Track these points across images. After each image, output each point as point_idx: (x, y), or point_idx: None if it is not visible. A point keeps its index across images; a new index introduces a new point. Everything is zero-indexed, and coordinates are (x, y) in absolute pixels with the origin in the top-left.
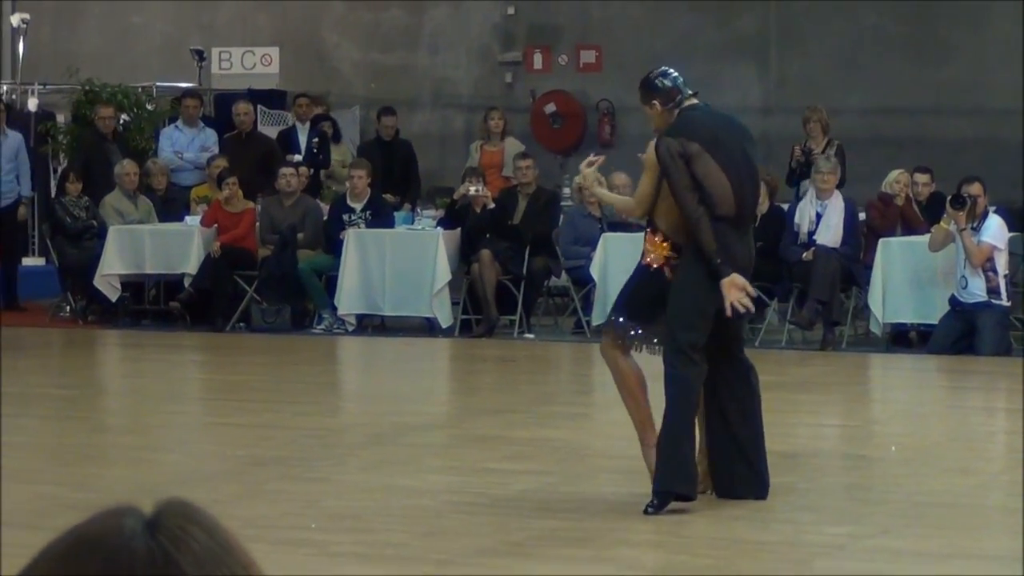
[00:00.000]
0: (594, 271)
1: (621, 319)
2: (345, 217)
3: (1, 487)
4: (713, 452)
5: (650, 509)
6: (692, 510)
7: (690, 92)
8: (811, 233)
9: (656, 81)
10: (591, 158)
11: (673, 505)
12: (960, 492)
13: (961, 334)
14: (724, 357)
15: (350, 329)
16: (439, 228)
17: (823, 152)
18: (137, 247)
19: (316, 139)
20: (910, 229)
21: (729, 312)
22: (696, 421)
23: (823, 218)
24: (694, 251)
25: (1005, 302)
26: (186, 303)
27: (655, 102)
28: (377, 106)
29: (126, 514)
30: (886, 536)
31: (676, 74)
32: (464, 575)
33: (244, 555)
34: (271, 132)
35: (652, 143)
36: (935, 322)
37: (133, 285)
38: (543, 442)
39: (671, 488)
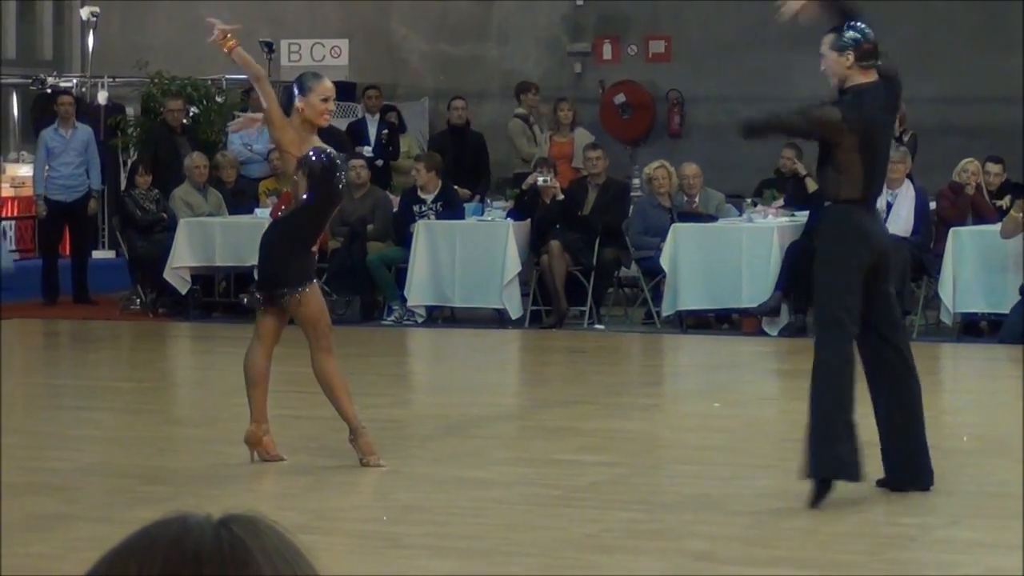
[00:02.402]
0: (664, 262)
1: None
2: (415, 208)
3: (60, 481)
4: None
5: (814, 502)
6: (767, 503)
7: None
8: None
9: None
10: None
11: (746, 495)
12: None
13: None
14: (879, 341)
15: (420, 321)
16: (509, 219)
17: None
18: (207, 240)
19: (386, 131)
20: (981, 218)
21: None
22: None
23: (893, 207)
24: (833, 231)
25: None
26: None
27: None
28: (446, 98)
29: (192, 514)
30: (957, 527)
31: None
32: (535, 568)
33: (312, 564)
34: (340, 124)
35: None
36: (1007, 311)
37: (203, 278)
38: (614, 433)
39: (827, 475)
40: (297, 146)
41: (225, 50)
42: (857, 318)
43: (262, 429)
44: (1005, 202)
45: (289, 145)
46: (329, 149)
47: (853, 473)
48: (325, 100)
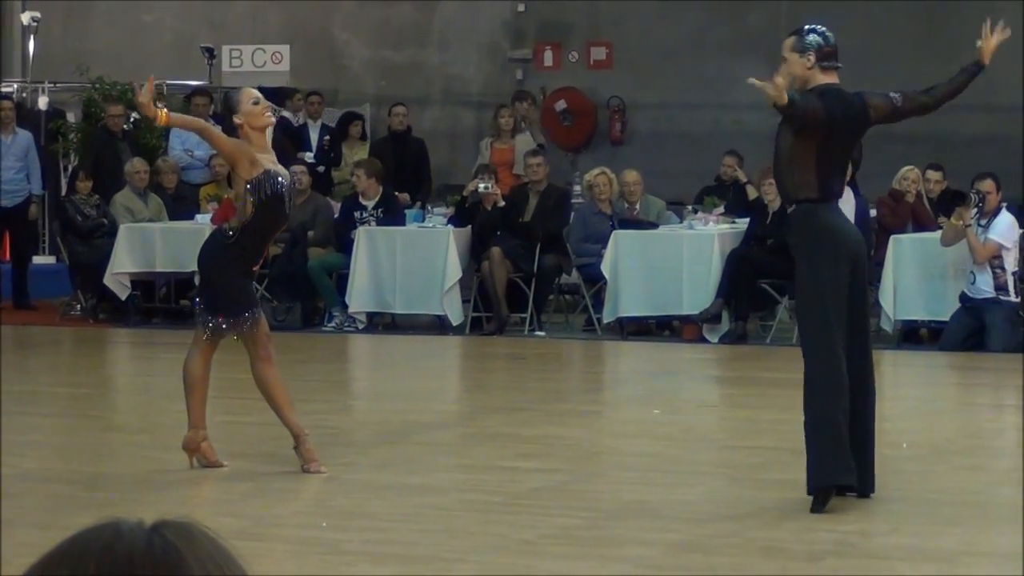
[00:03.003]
0: (605, 268)
1: None
2: (356, 215)
3: (2, 487)
4: None
5: (814, 508)
6: (705, 509)
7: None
8: None
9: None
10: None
11: (685, 501)
12: (971, 489)
13: (971, 331)
14: (848, 342)
15: (360, 327)
16: (450, 226)
17: None
18: (148, 245)
19: (327, 137)
20: (921, 226)
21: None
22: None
23: None
24: (802, 232)
25: (1014, 299)
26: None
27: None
28: (387, 104)
29: (124, 520)
30: (897, 534)
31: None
32: (476, 574)
33: (245, 569)
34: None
35: None
36: (946, 319)
37: (143, 283)
38: (554, 440)
39: (823, 483)
40: (248, 169)
41: (160, 124)
42: (843, 322)
43: (200, 435)
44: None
45: (243, 171)
46: (280, 175)
47: (849, 479)
48: (256, 103)
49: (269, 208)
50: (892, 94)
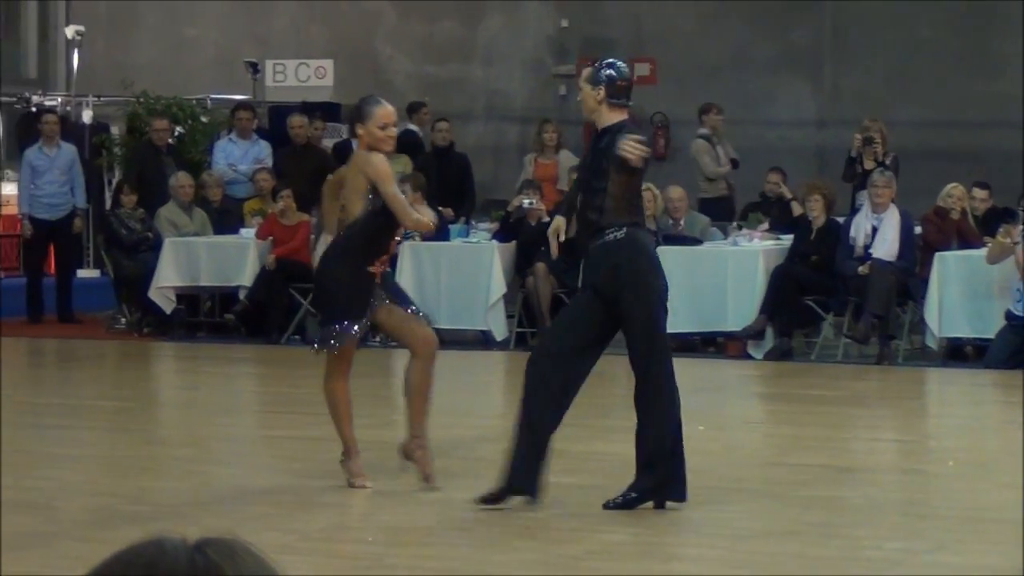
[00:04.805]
0: None
1: None
2: (401, 229)
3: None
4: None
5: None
6: (750, 526)
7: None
8: (867, 247)
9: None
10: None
11: (729, 518)
12: (1016, 507)
13: (1017, 348)
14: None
15: None
16: (494, 241)
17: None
18: (192, 259)
19: None
20: (966, 243)
21: None
22: None
23: (879, 232)
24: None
25: None
26: (241, 316)
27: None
28: (431, 119)
29: (168, 538)
30: (942, 551)
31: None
32: None
33: None
34: (326, 144)
35: None
36: (991, 336)
37: (188, 297)
38: (598, 456)
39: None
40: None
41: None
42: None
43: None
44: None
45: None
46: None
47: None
48: (383, 128)
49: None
50: None
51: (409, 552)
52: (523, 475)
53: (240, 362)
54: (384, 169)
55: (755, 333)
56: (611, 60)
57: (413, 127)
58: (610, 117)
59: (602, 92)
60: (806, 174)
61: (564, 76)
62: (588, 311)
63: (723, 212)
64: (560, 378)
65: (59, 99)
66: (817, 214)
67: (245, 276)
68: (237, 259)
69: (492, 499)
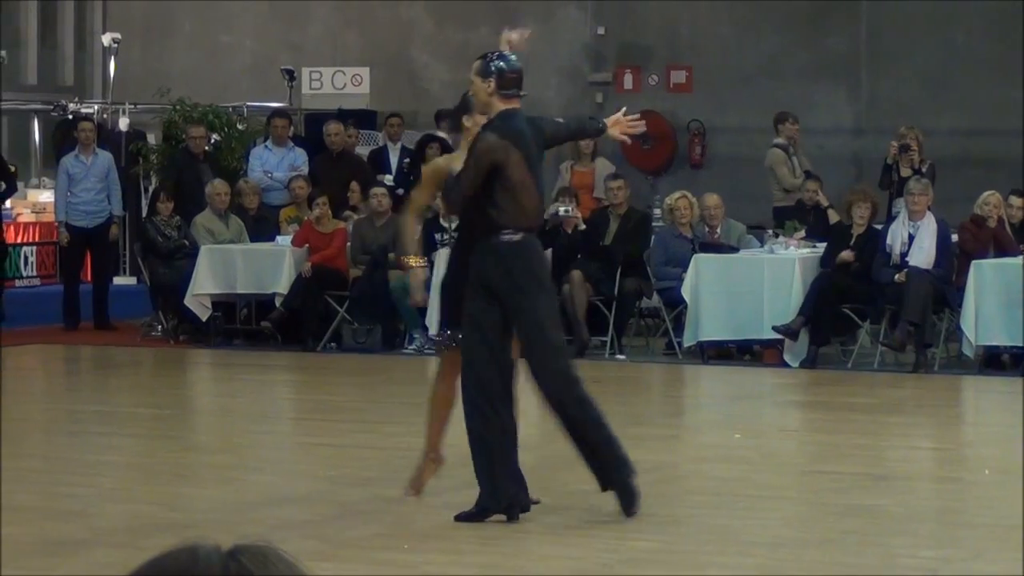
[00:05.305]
0: (685, 292)
1: None
2: (437, 236)
3: (3, 505)
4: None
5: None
6: (785, 534)
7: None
8: (904, 255)
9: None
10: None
11: (764, 526)
12: None
13: None
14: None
15: None
16: None
17: (915, 171)
18: (228, 267)
19: (407, 160)
20: (1003, 251)
21: None
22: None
23: (916, 239)
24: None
25: None
26: (277, 323)
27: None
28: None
29: (202, 545)
30: (979, 560)
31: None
32: None
33: None
34: (363, 151)
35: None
36: None
37: (224, 305)
38: (634, 464)
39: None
40: None
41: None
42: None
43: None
44: None
45: None
46: None
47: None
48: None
49: None
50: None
51: (444, 560)
52: (489, 493)
53: (276, 369)
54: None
55: (791, 332)
56: (501, 53)
57: (442, 134)
58: (502, 108)
59: (492, 84)
60: (842, 182)
61: (600, 84)
62: (488, 313)
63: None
64: (497, 383)
65: (95, 106)
66: (863, 222)
67: (281, 283)
68: (273, 266)
69: (469, 516)
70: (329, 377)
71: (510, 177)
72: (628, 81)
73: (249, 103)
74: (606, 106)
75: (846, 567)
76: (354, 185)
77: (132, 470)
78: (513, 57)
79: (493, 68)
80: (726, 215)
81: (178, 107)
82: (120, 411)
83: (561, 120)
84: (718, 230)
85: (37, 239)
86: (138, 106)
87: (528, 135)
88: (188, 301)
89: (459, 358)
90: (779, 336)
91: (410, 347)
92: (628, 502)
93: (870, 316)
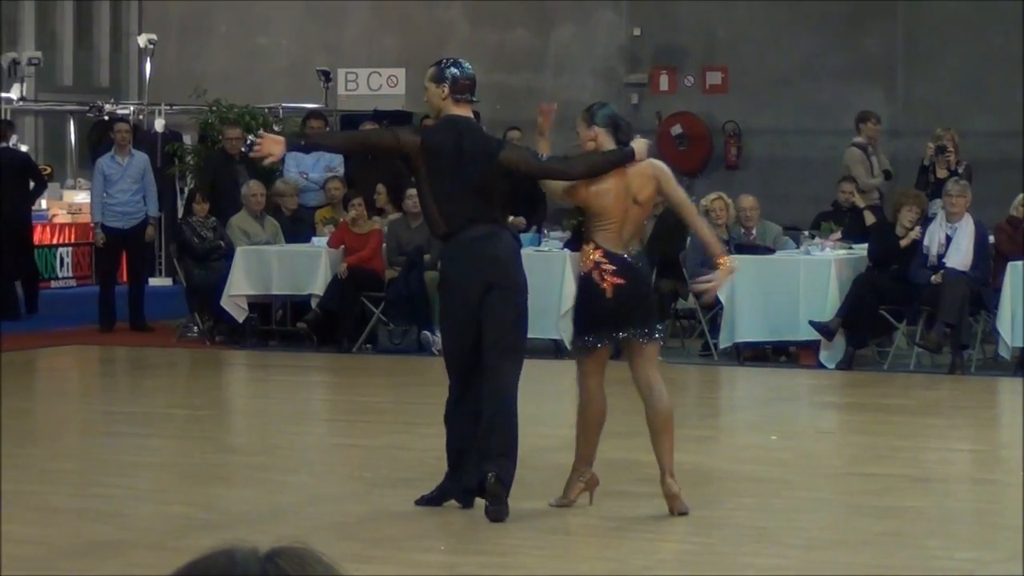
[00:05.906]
0: (721, 294)
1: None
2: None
3: (37, 506)
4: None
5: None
6: (822, 535)
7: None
8: (940, 256)
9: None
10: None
11: (801, 528)
12: None
13: None
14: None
15: None
16: (566, 249)
17: (951, 172)
18: (264, 268)
19: None
20: None
21: None
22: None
23: (953, 241)
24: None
25: None
26: (313, 324)
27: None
28: (502, 128)
29: (239, 547)
30: (1014, 562)
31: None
32: None
33: None
34: None
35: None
36: None
37: (260, 306)
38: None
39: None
40: None
41: None
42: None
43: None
44: None
45: None
46: None
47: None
48: None
49: None
50: (541, 154)
51: (480, 561)
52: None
53: (312, 371)
54: None
55: (828, 332)
56: (455, 59)
57: None
58: (455, 110)
59: (446, 89)
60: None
61: (636, 85)
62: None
63: None
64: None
65: (131, 107)
66: (909, 224)
67: (317, 285)
68: (309, 268)
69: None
70: (364, 378)
71: (420, 188)
72: (664, 82)
73: (285, 104)
74: (642, 107)
75: (882, 569)
76: (380, 188)
77: (167, 471)
78: (467, 64)
79: (448, 74)
80: (761, 216)
81: (214, 108)
82: (156, 412)
83: (544, 155)
84: (754, 231)
85: (73, 240)
86: (174, 107)
87: (459, 146)
88: (224, 302)
89: (600, 361)
90: (815, 336)
91: (436, 350)
92: (466, 502)
93: (907, 317)
